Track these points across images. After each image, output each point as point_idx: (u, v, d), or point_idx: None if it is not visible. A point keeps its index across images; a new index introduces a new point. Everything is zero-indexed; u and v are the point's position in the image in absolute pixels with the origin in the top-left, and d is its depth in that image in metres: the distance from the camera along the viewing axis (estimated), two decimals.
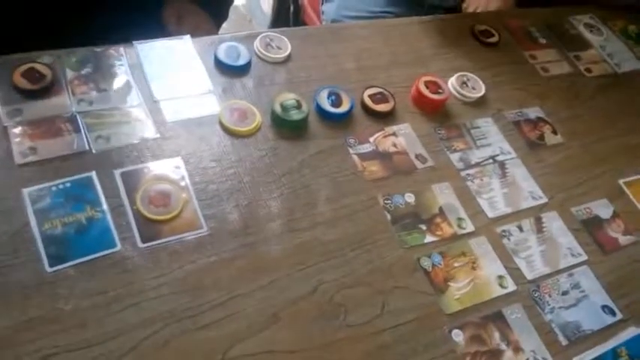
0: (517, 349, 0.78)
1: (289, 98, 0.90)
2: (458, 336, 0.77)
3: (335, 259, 0.79)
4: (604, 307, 0.85)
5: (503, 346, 0.77)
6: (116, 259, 0.71)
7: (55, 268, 0.68)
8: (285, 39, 1.00)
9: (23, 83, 0.81)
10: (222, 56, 0.94)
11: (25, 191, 0.73)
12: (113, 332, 0.66)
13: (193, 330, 0.68)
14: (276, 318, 0.72)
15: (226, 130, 0.86)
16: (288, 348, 0.70)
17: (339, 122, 0.93)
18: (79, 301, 0.67)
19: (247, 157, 0.85)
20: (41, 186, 0.73)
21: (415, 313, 0.77)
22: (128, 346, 0.65)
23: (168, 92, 0.87)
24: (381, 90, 0.98)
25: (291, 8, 1.65)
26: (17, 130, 0.77)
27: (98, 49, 0.89)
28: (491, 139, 1.00)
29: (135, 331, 0.67)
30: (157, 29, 0.96)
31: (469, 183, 0.93)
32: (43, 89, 0.82)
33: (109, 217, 0.73)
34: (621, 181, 1.02)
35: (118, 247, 0.71)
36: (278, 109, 0.89)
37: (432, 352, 0.74)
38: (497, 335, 0.78)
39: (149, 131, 0.83)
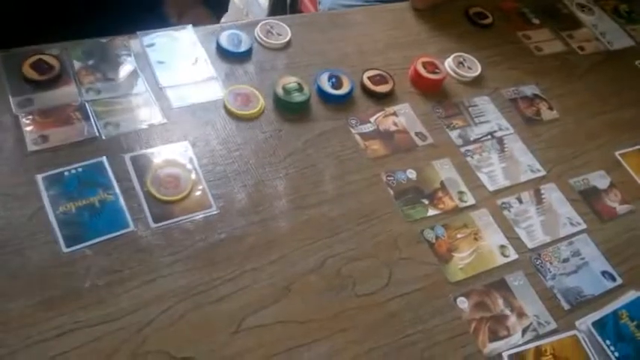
0: (521, 315, 0.80)
1: (291, 81, 0.93)
2: (463, 303, 0.79)
3: (341, 233, 0.81)
4: (604, 273, 0.88)
5: (507, 312, 0.80)
6: (130, 239, 0.73)
7: (71, 249, 0.70)
8: (285, 26, 1.03)
9: (32, 74, 0.84)
10: (224, 43, 0.96)
11: (39, 177, 0.75)
12: (130, 308, 0.68)
13: (207, 304, 0.71)
14: (286, 290, 0.74)
15: (231, 114, 0.89)
16: (300, 318, 0.73)
17: (340, 104, 0.96)
18: (96, 279, 0.69)
19: (252, 140, 0.87)
20: (54, 171, 0.76)
21: (421, 283, 0.79)
22: (145, 321, 0.68)
23: (173, 79, 0.90)
24: (380, 72, 1.00)
25: None
26: (28, 119, 0.80)
27: (104, 40, 0.92)
28: (489, 116, 1.02)
29: (151, 306, 0.69)
30: (159, 26, 0.98)
31: (469, 158, 0.95)
32: (52, 79, 0.84)
33: (121, 199, 0.76)
34: (617, 153, 1.04)
35: (132, 227, 0.74)
36: (280, 92, 0.91)
37: (438, 319, 0.77)
38: (500, 302, 0.81)
39: (156, 117, 0.85)
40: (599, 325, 0.80)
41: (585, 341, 0.79)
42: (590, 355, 0.78)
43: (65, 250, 0.70)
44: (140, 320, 0.68)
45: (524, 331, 0.78)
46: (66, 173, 0.76)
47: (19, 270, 0.68)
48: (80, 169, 0.77)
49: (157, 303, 0.69)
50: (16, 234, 0.70)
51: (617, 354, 0.78)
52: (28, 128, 0.79)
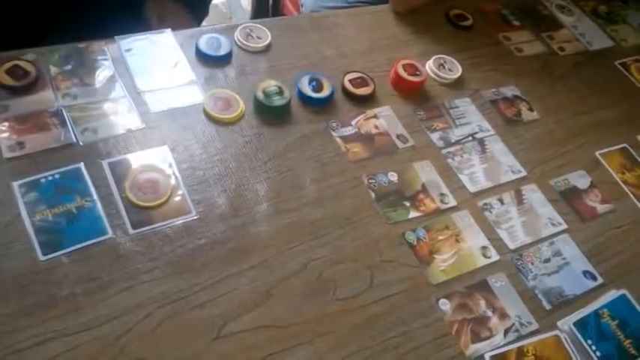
0: (503, 315, 0.80)
1: (271, 85, 0.92)
2: (445, 305, 0.79)
3: (323, 237, 0.81)
4: (585, 273, 0.88)
5: (489, 313, 0.80)
6: (108, 246, 0.72)
7: (48, 257, 0.69)
8: (265, 29, 1.02)
9: (8, 80, 0.82)
10: (203, 47, 0.95)
11: (15, 184, 0.74)
12: (108, 315, 0.68)
13: (187, 310, 0.70)
14: (268, 295, 0.74)
15: (210, 119, 0.88)
16: (281, 323, 0.72)
17: (320, 107, 0.95)
18: (73, 287, 0.68)
19: (232, 144, 0.87)
20: (30, 178, 0.75)
21: (402, 285, 0.79)
22: (124, 328, 0.67)
23: (151, 84, 0.89)
24: (360, 74, 1.00)
25: (270, 1, 1.67)
26: (4, 125, 0.79)
27: (81, 45, 0.91)
28: (470, 117, 1.03)
29: (130, 313, 0.68)
30: (139, 28, 0.98)
31: (450, 160, 0.95)
32: (28, 85, 0.83)
33: (98, 205, 0.75)
34: (597, 153, 1.05)
35: (110, 234, 0.73)
36: (260, 95, 0.91)
37: (420, 321, 0.77)
38: (482, 303, 0.81)
39: (135, 122, 0.84)
40: (580, 324, 0.81)
41: (567, 341, 0.79)
42: (571, 354, 0.78)
43: (42, 258, 0.69)
44: (118, 328, 0.67)
45: (506, 332, 0.78)
46: (42, 180, 0.75)
47: None
48: (57, 176, 0.76)
49: (135, 310, 0.69)
50: None
51: (598, 353, 0.79)
52: (4, 135, 0.78)
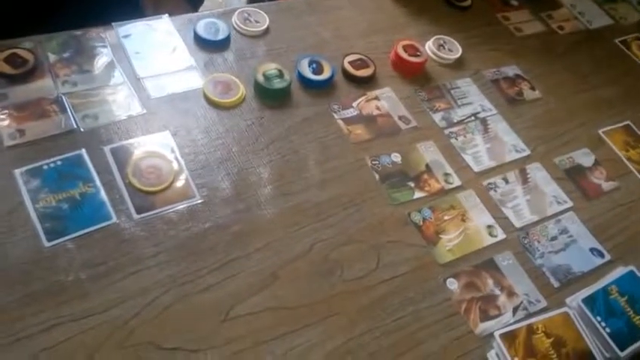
0: (511, 294, 0.80)
1: (271, 68, 0.91)
2: (452, 284, 0.79)
3: (328, 218, 0.80)
4: (592, 250, 0.88)
5: (497, 292, 0.80)
6: (113, 231, 0.72)
7: (53, 243, 0.68)
8: (263, 13, 1.02)
9: (6, 68, 0.82)
10: (201, 32, 0.95)
11: (17, 171, 0.73)
12: (115, 300, 0.67)
13: (194, 293, 0.70)
14: (274, 277, 0.73)
15: (211, 103, 0.88)
16: (289, 305, 0.72)
17: (321, 89, 0.95)
18: (79, 273, 0.68)
19: (234, 128, 0.86)
20: (32, 165, 0.74)
21: (409, 265, 0.79)
22: (131, 313, 0.67)
23: (150, 69, 0.88)
24: (360, 56, 0.99)
25: None
26: (4, 113, 0.78)
27: (78, 32, 0.90)
28: (472, 97, 1.02)
29: (136, 298, 0.68)
30: (135, 16, 0.97)
31: (453, 140, 0.95)
32: (26, 73, 0.82)
33: (102, 191, 0.74)
34: (600, 131, 1.05)
35: (114, 219, 0.72)
36: (261, 79, 0.90)
37: (428, 301, 0.76)
38: (490, 282, 0.80)
39: (135, 108, 0.83)
40: (589, 301, 0.80)
41: (576, 318, 0.79)
42: (581, 331, 0.78)
43: (47, 244, 0.68)
44: (126, 312, 0.66)
45: (514, 310, 0.78)
46: (45, 167, 0.74)
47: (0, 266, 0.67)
48: (59, 162, 0.75)
49: (142, 294, 0.68)
50: None
51: (608, 329, 0.78)
52: (4, 123, 0.77)
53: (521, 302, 0.79)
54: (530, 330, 0.76)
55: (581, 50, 1.20)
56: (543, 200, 0.91)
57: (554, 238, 0.87)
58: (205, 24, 0.96)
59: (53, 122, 0.79)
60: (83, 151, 0.77)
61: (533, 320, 0.77)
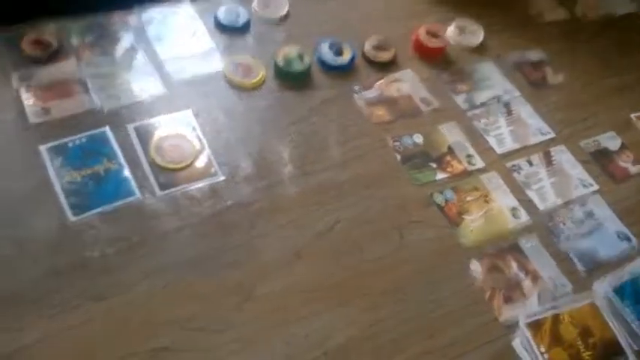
0: (535, 277, 0.78)
1: (291, 51, 0.91)
2: (476, 267, 0.77)
3: (349, 198, 0.80)
4: (618, 234, 0.86)
5: (521, 275, 0.78)
6: (137, 207, 0.72)
7: (78, 217, 0.69)
8: None
9: (32, 51, 0.83)
10: (222, 17, 0.95)
11: (43, 148, 0.74)
12: (139, 275, 0.67)
13: (217, 270, 0.70)
14: (297, 256, 0.73)
15: (232, 84, 0.88)
16: (310, 285, 0.71)
17: (342, 72, 0.94)
18: (104, 248, 0.68)
19: (255, 109, 0.86)
20: (57, 142, 0.75)
21: (432, 246, 0.78)
22: (155, 289, 0.67)
23: (172, 52, 0.89)
24: (381, 40, 0.99)
25: None
26: (29, 92, 0.79)
27: (101, 17, 0.91)
28: (494, 80, 1.01)
29: (160, 273, 0.68)
30: (157, 0, 0.98)
31: (475, 122, 0.94)
32: (51, 55, 0.84)
33: (125, 168, 0.75)
34: (633, 115, 1.02)
35: (138, 195, 0.73)
36: (281, 62, 0.90)
37: (451, 285, 0.75)
38: (514, 265, 0.79)
39: (157, 89, 0.84)
40: (616, 287, 0.78)
41: (603, 307, 0.76)
42: (608, 321, 0.75)
43: (72, 219, 0.69)
44: (149, 288, 0.67)
45: (540, 295, 0.76)
46: (70, 144, 0.75)
47: (26, 241, 0.67)
48: (84, 140, 0.76)
49: (166, 270, 0.68)
50: (22, 205, 0.70)
51: (636, 318, 0.76)
52: (30, 101, 0.78)
53: (546, 287, 0.77)
54: (557, 319, 0.74)
55: (606, 36, 1.18)
56: (568, 183, 0.90)
57: (579, 222, 0.86)
58: (226, 9, 0.97)
59: (77, 101, 0.80)
60: (107, 129, 0.78)
61: (559, 310, 0.75)
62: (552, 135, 0.95)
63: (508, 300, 0.75)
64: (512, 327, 0.73)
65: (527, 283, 0.78)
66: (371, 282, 0.73)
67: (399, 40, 1.01)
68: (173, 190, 0.74)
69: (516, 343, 0.72)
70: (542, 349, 0.71)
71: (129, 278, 0.67)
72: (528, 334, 0.72)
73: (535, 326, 0.73)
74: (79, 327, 0.63)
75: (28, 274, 0.65)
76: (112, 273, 0.67)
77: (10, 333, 0.61)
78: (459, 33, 1.06)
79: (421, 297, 0.73)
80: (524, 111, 0.98)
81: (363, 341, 0.68)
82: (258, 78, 0.89)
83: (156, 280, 0.67)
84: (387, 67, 0.97)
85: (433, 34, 1.01)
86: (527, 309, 0.75)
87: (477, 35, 1.06)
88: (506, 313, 0.74)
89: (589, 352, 0.72)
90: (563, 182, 0.90)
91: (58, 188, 0.71)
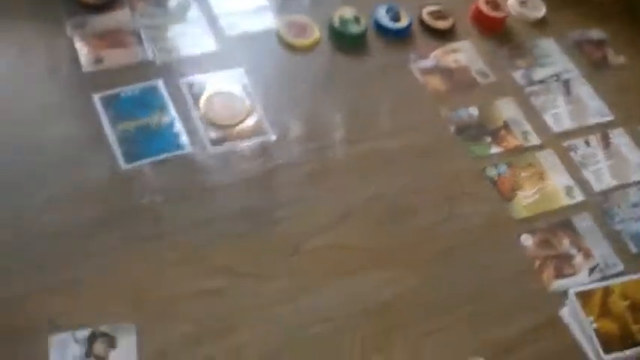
0: (587, 255, 0.76)
1: (348, 13, 0.89)
2: (527, 240, 0.76)
3: (401, 165, 0.78)
4: None
5: (573, 252, 0.76)
6: (188, 160, 0.72)
7: (130, 165, 0.69)
8: None
9: None
10: None
11: (96, 96, 0.74)
12: (187, 226, 0.67)
13: (266, 225, 0.69)
14: (344, 217, 0.72)
15: (285, 44, 0.86)
16: (356, 246, 0.70)
17: (397, 38, 0.92)
18: (154, 196, 0.68)
19: (307, 70, 0.85)
20: (111, 92, 0.75)
21: (483, 218, 0.76)
22: (203, 239, 0.66)
23: (226, 7, 0.87)
24: (439, 8, 0.96)
25: None
26: (83, 41, 0.79)
27: None
28: (554, 58, 0.97)
29: (208, 225, 0.68)
30: None
31: (533, 99, 0.90)
32: (106, 4, 0.83)
33: (177, 121, 0.74)
34: None
35: (188, 149, 0.72)
36: (337, 22, 0.88)
37: (501, 254, 0.74)
38: (566, 241, 0.77)
39: (210, 44, 0.83)
40: None
41: None
42: None
43: (124, 166, 0.69)
44: (197, 239, 0.66)
45: (590, 271, 0.74)
46: (122, 94, 0.75)
47: (80, 184, 0.67)
48: (137, 91, 0.75)
49: (214, 222, 0.68)
50: (76, 150, 0.70)
51: None
52: (84, 50, 0.78)
53: (597, 264, 0.75)
54: (607, 291, 0.72)
55: None
56: (627, 166, 0.86)
57: (635, 205, 0.83)
58: None
59: (130, 52, 0.79)
60: (160, 82, 0.77)
61: (610, 282, 0.73)
62: (611, 117, 0.91)
63: (558, 272, 0.74)
64: (560, 297, 0.71)
65: (578, 259, 0.76)
66: (419, 248, 0.72)
67: (458, 9, 0.98)
68: (223, 146, 0.73)
69: (564, 313, 0.71)
70: (591, 319, 0.69)
71: (177, 229, 0.67)
72: (578, 304, 0.70)
73: (585, 296, 0.71)
74: (128, 266, 0.63)
75: (81, 214, 0.65)
76: (160, 221, 0.67)
77: (62, 267, 0.62)
78: (521, 4, 1.02)
79: (469, 263, 0.72)
80: (584, 91, 0.94)
81: (408, 300, 0.68)
82: (312, 39, 0.87)
83: (205, 229, 0.67)
84: (444, 36, 0.94)
85: (493, 4, 0.97)
86: (577, 280, 0.73)
87: (538, 8, 1.02)
88: (556, 283, 0.73)
89: (637, 326, 0.71)
90: (620, 165, 0.86)
91: (111, 136, 0.71)
